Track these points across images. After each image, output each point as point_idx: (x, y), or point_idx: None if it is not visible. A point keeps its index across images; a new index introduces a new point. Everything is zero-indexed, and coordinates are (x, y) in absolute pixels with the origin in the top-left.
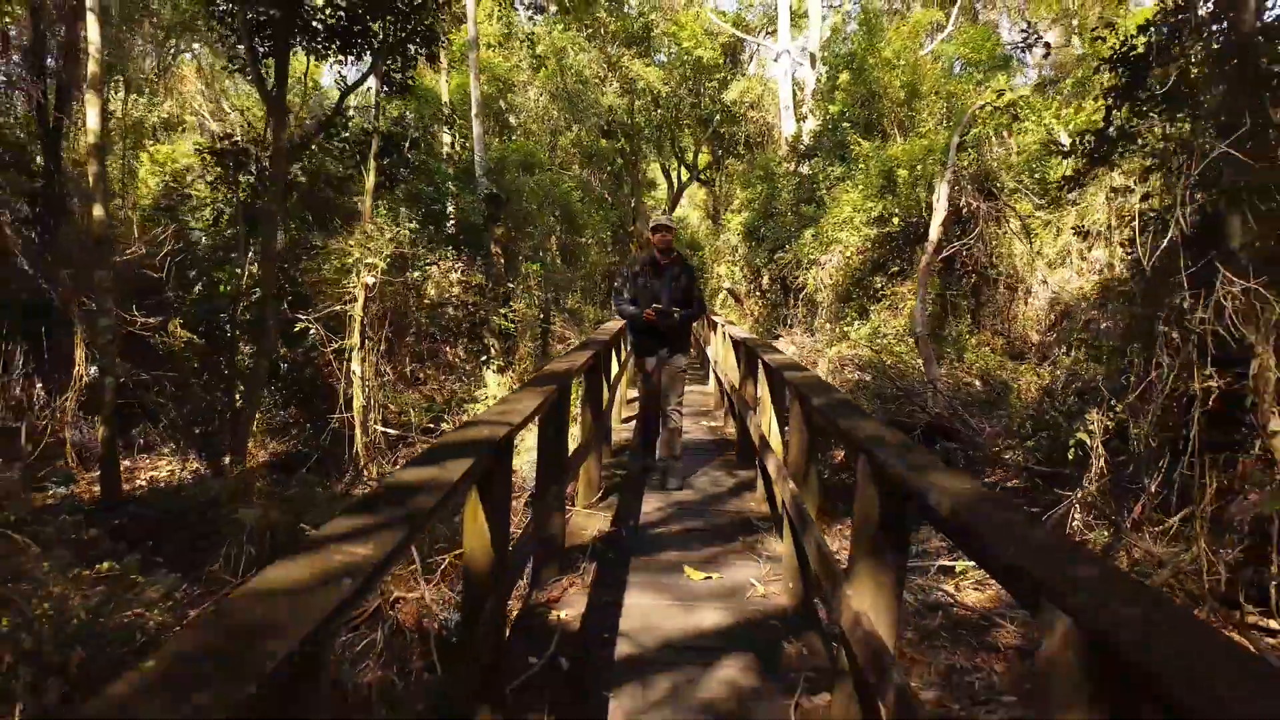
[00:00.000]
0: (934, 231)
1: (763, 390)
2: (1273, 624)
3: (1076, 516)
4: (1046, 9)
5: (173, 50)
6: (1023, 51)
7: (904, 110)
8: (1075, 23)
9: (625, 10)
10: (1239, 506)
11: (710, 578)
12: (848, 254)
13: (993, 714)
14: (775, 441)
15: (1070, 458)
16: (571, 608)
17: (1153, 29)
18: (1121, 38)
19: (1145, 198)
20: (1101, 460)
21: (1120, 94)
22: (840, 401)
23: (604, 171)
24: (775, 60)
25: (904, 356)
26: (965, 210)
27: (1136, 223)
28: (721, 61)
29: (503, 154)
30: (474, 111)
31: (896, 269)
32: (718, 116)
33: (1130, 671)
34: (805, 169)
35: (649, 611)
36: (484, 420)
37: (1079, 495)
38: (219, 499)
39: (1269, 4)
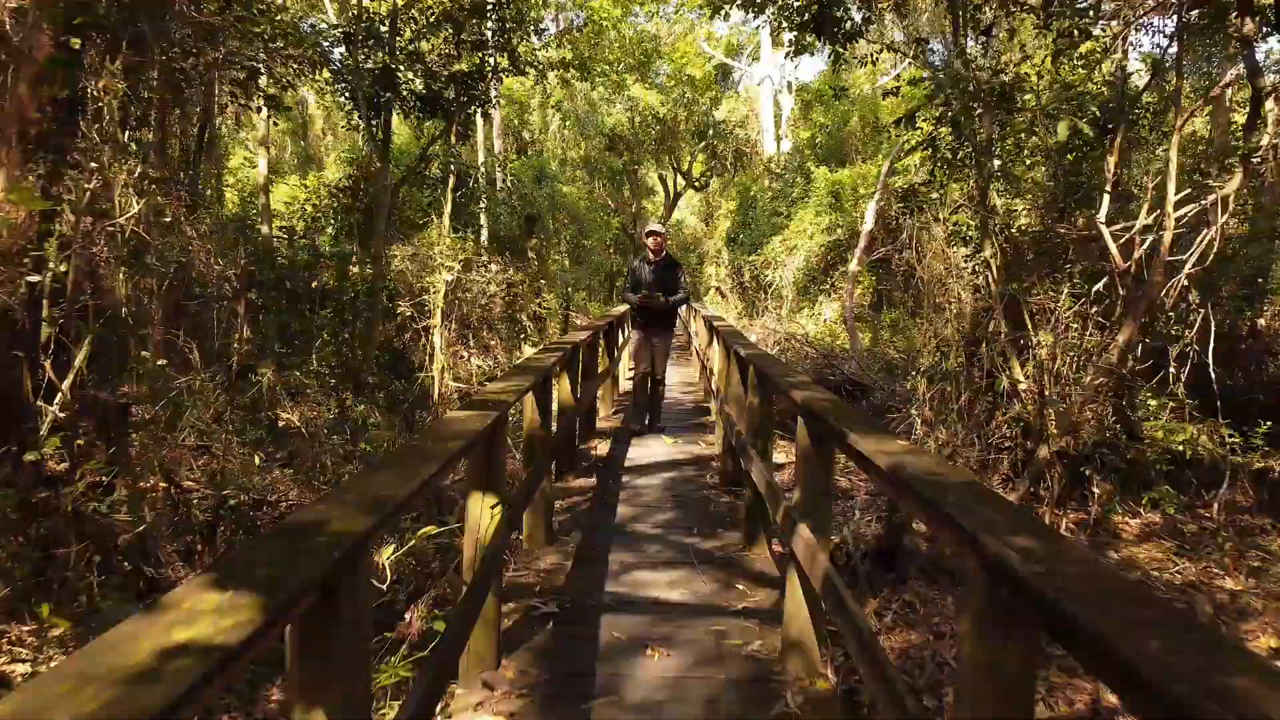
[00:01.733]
0: (862, 241)
1: (718, 347)
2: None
3: (918, 428)
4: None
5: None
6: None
7: (863, 139)
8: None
9: (626, 39)
10: (987, 413)
11: (678, 443)
12: (806, 256)
13: None
14: (720, 375)
15: (909, 388)
16: (601, 450)
17: (940, 120)
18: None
19: (955, 224)
20: (923, 388)
21: (932, 160)
22: (740, 337)
23: (607, 180)
24: (759, 85)
25: (840, 336)
26: (895, 222)
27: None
28: (713, 79)
29: (519, 170)
30: (495, 133)
31: (843, 269)
32: (710, 131)
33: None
34: (777, 185)
35: (644, 451)
36: (563, 339)
37: (918, 414)
38: (348, 426)
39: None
